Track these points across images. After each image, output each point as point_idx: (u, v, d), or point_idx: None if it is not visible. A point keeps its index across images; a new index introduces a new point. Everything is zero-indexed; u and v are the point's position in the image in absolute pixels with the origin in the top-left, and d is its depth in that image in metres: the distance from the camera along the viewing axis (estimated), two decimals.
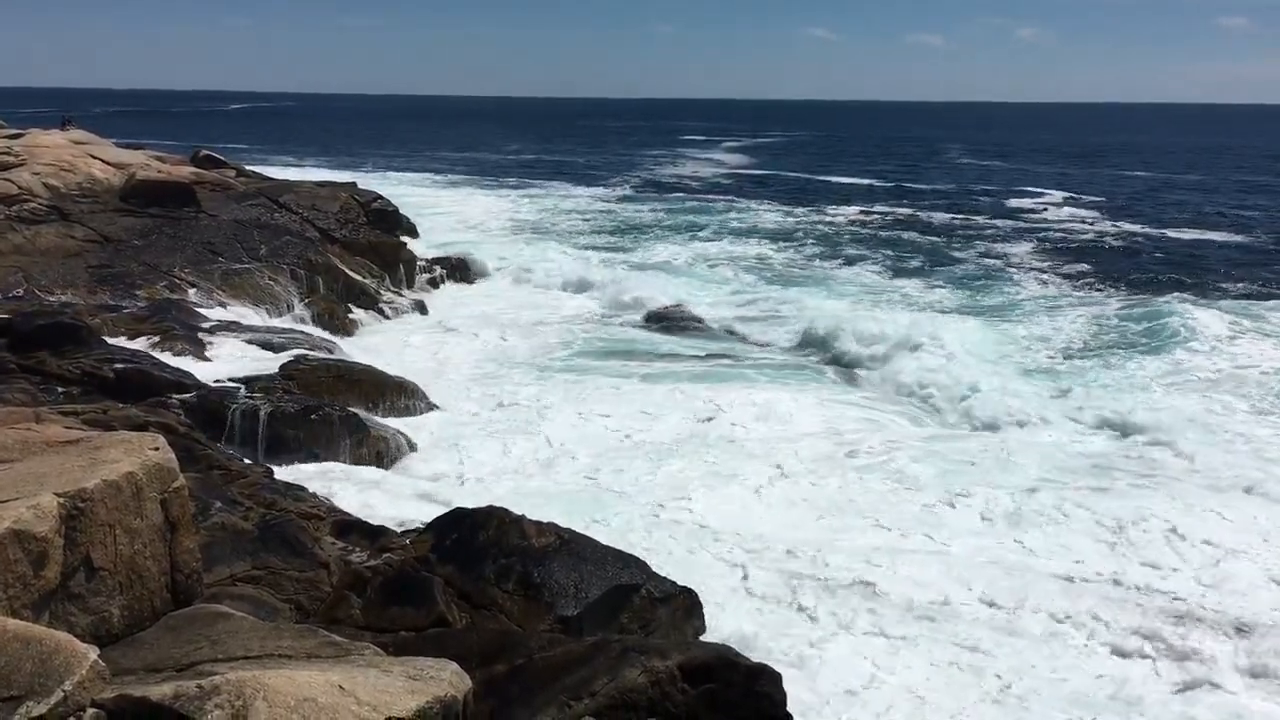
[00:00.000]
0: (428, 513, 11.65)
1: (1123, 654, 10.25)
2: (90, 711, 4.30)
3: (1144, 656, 10.20)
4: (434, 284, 29.12)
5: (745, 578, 11.58)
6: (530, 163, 78.55)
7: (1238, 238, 38.43)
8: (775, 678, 7.69)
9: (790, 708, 7.76)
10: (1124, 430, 17.18)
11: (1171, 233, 40.21)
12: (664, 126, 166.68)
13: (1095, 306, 26.48)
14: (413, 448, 14.97)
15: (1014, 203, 51.88)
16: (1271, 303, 26.28)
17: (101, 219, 24.55)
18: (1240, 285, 29.14)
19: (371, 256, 27.68)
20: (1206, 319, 24.16)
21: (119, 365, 14.38)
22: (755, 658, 8.14)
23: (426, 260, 29.90)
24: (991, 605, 11.04)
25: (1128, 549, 12.56)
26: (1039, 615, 10.89)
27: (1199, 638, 10.44)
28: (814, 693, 9.35)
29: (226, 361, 17.01)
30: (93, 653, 4.42)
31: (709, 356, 22.09)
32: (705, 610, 9.98)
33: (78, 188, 25.45)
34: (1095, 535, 12.95)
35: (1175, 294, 27.78)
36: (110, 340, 16.31)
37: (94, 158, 27.46)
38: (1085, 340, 23.15)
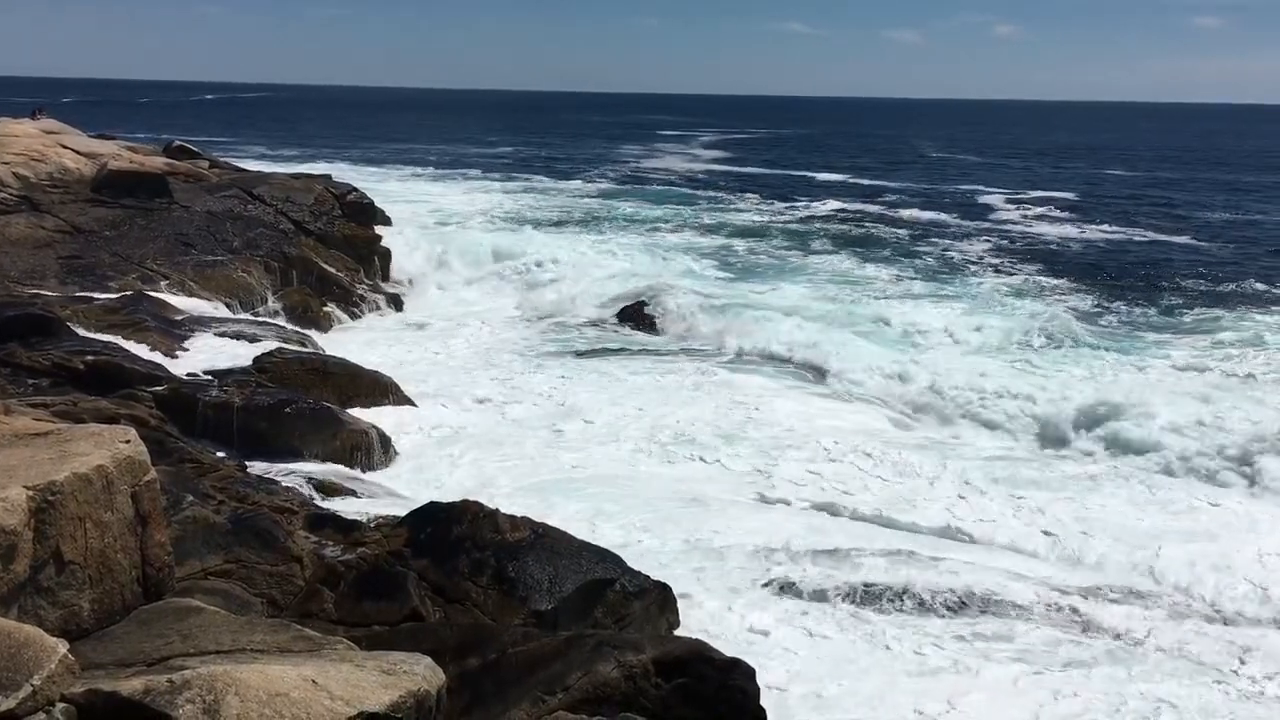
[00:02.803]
0: (402, 507, 11.63)
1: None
2: (60, 706, 4.27)
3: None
4: (409, 278, 28.97)
5: (729, 573, 11.62)
6: (510, 155, 78.27)
7: (1201, 241, 38.68)
8: (749, 672, 7.72)
9: (764, 701, 7.81)
10: (1087, 432, 17.33)
11: (1136, 234, 40.50)
12: (644, 121, 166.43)
13: (1055, 306, 26.60)
14: (387, 441, 14.91)
15: (985, 200, 52.10)
16: (1225, 308, 26.47)
17: (73, 209, 24.30)
18: (1199, 289, 29.33)
19: (346, 249, 27.52)
20: (1159, 322, 24.52)
21: (90, 357, 14.25)
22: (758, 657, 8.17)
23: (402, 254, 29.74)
24: (994, 609, 11.09)
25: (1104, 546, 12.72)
26: (1038, 617, 10.98)
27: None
28: (795, 687, 9.40)
29: (199, 354, 16.89)
30: (62, 647, 4.39)
31: (683, 352, 22.14)
32: (684, 605, 10.02)
33: (48, 178, 25.18)
34: (1069, 528, 13.11)
35: (1134, 296, 28.02)
36: (81, 332, 16.16)
37: (65, 147, 27.16)
38: (1047, 338, 23.27)
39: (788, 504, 13.93)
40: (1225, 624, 10.97)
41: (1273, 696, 9.68)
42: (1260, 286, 29.28)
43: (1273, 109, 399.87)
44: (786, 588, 11.28)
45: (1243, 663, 10.18)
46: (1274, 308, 26.40)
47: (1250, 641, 10.58)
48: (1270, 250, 36.96)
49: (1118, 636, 10.61)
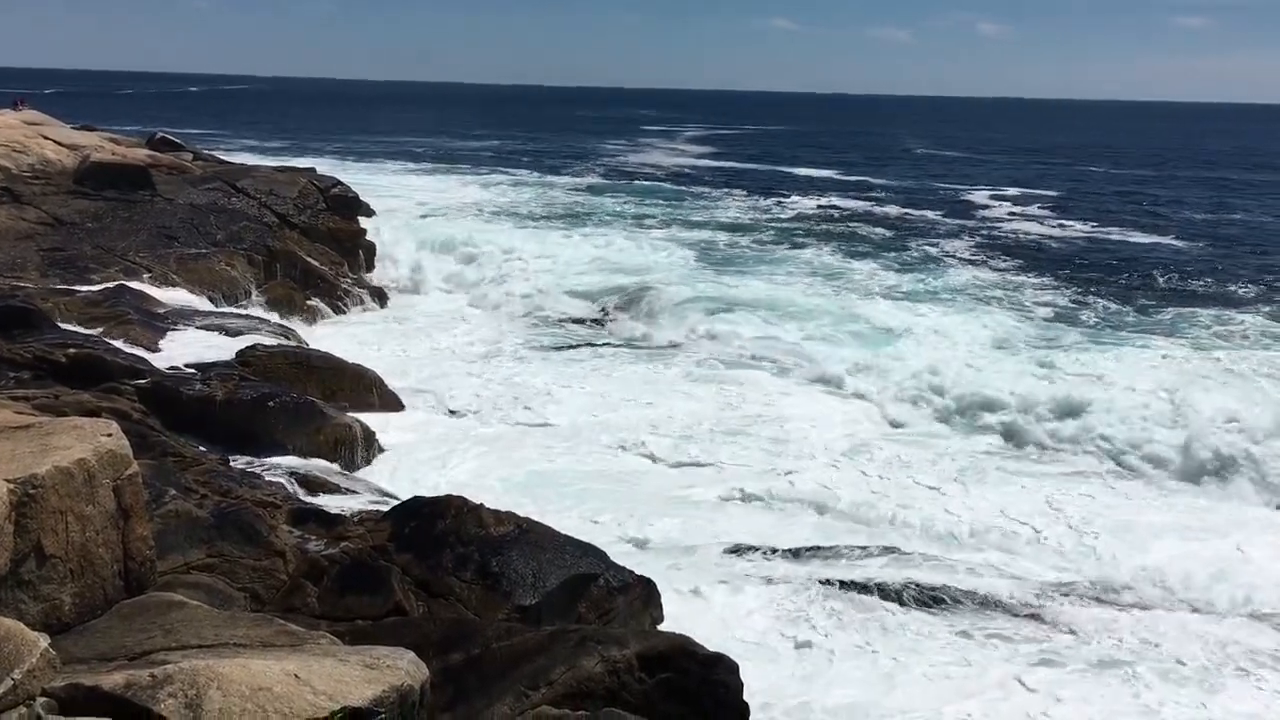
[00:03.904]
0: (385, 501, 11.61)
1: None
2: (41, 700, 4.25)
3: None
4: (392, 272, 28.87)
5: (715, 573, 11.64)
6: (496, 149, 78.13)
7: (1183, 239, 38.81)
8: (732, 667, 7.74)
9: (752, 700, 7.82)
10: (1074, 430, 17.35)
11: (1120, 232, 40.62)
12: (631, 116, 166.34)
13: (1039, 303, 26.69)
14: (371, 436, 14.87)
15: (969, 197, 52.23)
16: (1207, 306, 26.56)
17: (54, 201, 24.15)
18: (1181, 287, 29.43)
19: (330, 243, 27.42)
20: (1142, 321, 24.58)
21: (72, 350, 14.15)
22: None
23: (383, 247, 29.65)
24: (990, 608, 11.09)
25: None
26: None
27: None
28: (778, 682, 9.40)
29: (182, 347, 16.79)
30: (43, 641, 4.37)
31: (670, 348, 22.11)
32: (668, 600, 10.02)
33: (30, 169, 25.01)
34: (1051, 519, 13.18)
35: (1117, 293, 28.12)
36: (63, 325, 16.06)
37: (47, 139, 27.00)
38: (1031, 335, 23.35)
39: (777, 500, 13.94)
40: (1223, 623, 10.90)
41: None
42: (1239, 284, 29.48)
43: (1256, 108, 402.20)
44: (774, 584, 11.28)
45: (1244, 664, 10.12)
46: (1251, 306, 26.55)
47: (1253, 642, 10.53)
48: (1252, 248, 37.21)
49: (1113, 635, 10.56)
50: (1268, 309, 26.15)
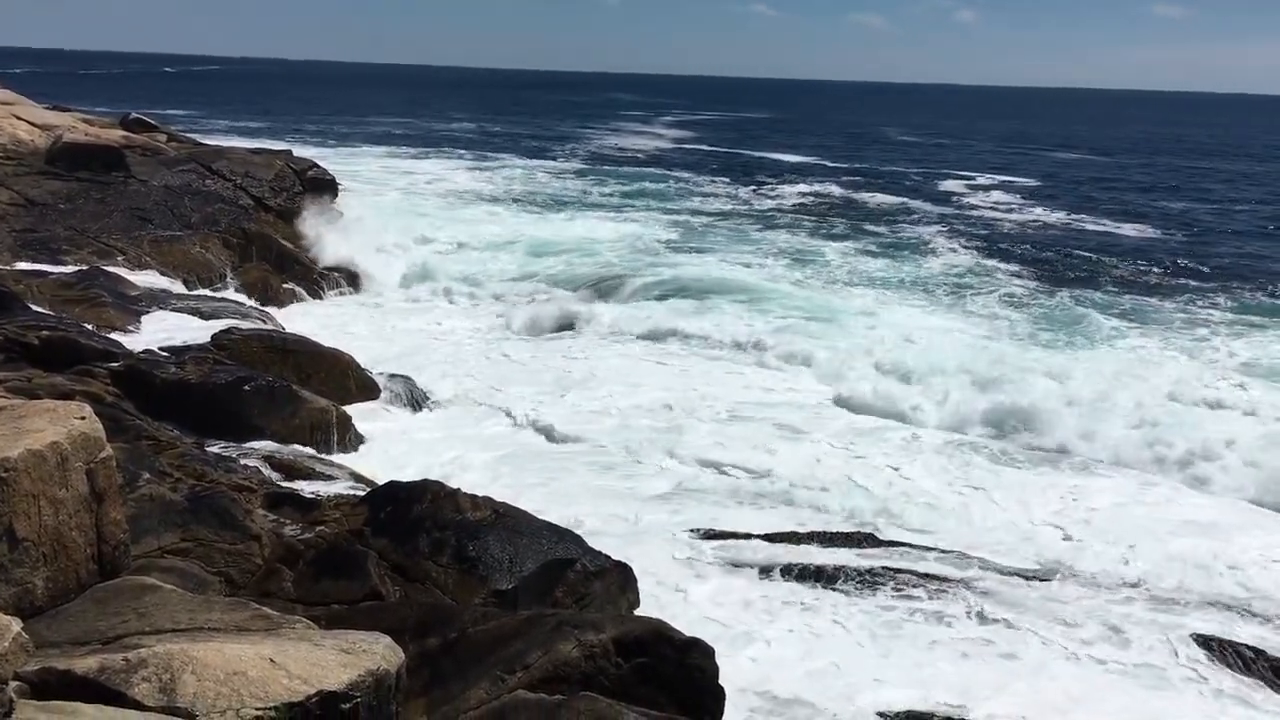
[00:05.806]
0: (361, 486, 11.58)
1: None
2: (13, 684, 4.23)
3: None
4: (364, 256, 28.64)
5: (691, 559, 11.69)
6: (475, 132, 77.82)
7: (1158, 228, 39.03)
8: (708, 651, 7.78)
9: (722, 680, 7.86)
10: (1044, 420, 17.42)
11: (1094, 220, 40.78)
12: (609, 100, 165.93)
13: (1013, 290, 26.82)
14: (347, 420, 14.81)
15: (946, 184, 52.38)
16: (1182, 297, 26.68)
17: (26, 182, 23.87)
18: (1155, 277, 29.61)
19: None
20: (1101, 311, 24.76)
21: (44, 332, 14.00)
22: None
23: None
24: (963, 596, 11.10)
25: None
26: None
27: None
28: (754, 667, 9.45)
29: (156, 330, 16.68)
30: (15, 624, 4.35)
31: (649, 335, 22.06)
32: (644, 585, 10.05)
33: (1, 149, 24.71)
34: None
35: (1091, 282, 28.28)
36: (35, 307, 15.90)
37: (18, 118, 26.67)
38: (1007, 323, 23.48)
39: (753, 486, 13.97)
40: (1198, 614, 10.86)
41: None
42: (1215, 274, 29.72)
43: (1235, 98, 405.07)
44: (750, 569, 11.31)
45: (1231, 657, 10.06)
46: (1223, 296, 26.78)
47: (1228, 632, 10.49)
48: (1230, 233, 37.57)
49: (1097, 625, 10.53)
50: (1241, 300, 26.39)
